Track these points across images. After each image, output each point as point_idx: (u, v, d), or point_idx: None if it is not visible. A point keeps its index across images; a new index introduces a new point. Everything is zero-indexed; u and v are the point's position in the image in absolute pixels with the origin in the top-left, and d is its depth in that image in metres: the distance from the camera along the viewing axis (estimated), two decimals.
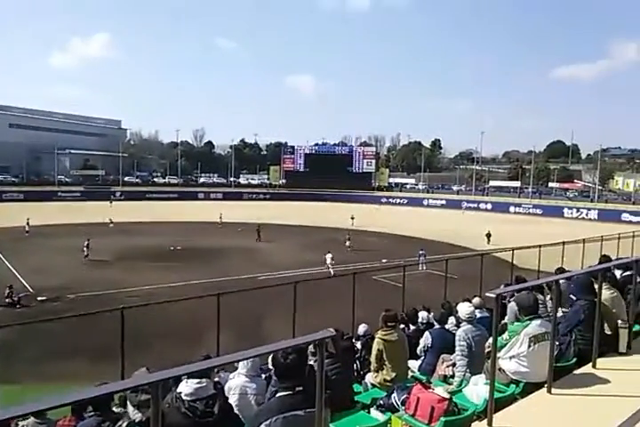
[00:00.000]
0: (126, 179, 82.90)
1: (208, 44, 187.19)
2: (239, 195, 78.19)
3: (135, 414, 2.46)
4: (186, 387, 3.21)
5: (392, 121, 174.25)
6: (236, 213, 48.95)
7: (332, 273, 23.90)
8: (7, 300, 19.38)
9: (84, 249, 28.56)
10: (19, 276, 23.53)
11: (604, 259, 6.38)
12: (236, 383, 4.64)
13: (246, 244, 35.57)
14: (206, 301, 10.66)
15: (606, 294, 4.83)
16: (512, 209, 66.56)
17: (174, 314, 15.65)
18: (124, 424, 3.11)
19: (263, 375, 5.22)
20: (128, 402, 2.48)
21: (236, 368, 5.00)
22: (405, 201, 76.13)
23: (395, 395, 4.45)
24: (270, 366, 5.87)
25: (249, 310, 16.64)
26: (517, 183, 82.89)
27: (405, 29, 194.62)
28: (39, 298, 20.62)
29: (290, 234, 40.98)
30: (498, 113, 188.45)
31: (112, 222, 42.91)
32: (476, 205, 69.87)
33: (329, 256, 26.93)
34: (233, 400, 4.40)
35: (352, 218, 47.78)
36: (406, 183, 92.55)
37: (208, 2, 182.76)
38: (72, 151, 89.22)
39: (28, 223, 36.67)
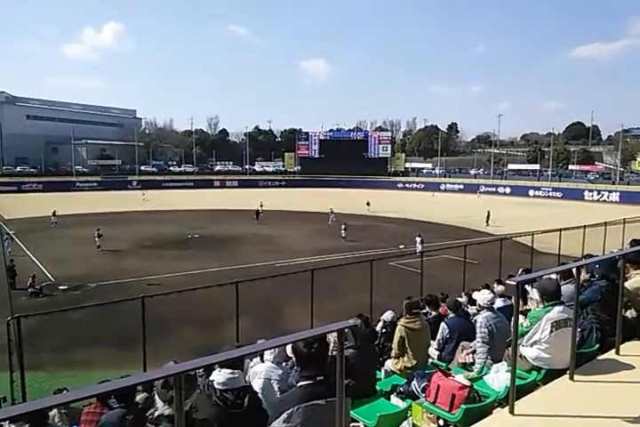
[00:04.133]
0: (142, 168, 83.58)
1: (221, 31, 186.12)
2: (254, 182, 78.37)
3: (165, 410, 2.50)
4: (218, 376, 3.24)
5: (408, 105, 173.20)
6: (252, 200, 49.01)
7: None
8: (30, 289, 19.78)
9: (96, 239, 28.59)
10: (40, 265, 23.95)
11: (635, 243, 6.20)
12: (262, 369, 4.68)
13: (262, 231, 35.73)
14: (225, 288, 10.76)
15: (635, 277, 4.74)
16: (531, 192, 65.72)
17: (194, 302, 15.79)
18: (156, 413, 3.16)
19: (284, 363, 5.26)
20: (157, 398, 2.52)
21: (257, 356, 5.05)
22: (422, 186, 75.60)
23: (415, 382, 4.46)
24: (290, 355, 5.94)
25: (267, 297, 16.75)
26: (536, 166, 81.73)
27: (419, 11, 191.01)
28: (61, 287, 21.00)
29: (305, 221, 41.04)
30: (515, 95, 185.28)
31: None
32: (494, 189, 69.12)
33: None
34: (257, 385, 4.44)
35: (367, 204, 47.63)
36: (423, 168, 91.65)
37: None
38: (89, 141, 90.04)
39: (54, 214, 36.93)
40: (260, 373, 4.66)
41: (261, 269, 22.51)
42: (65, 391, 4.34)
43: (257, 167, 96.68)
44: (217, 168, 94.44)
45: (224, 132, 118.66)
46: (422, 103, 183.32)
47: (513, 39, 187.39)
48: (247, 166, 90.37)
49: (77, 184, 69.63)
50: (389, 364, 5.92)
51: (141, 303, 9.00)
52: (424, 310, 7.07)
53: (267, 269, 22.54)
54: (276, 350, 4.74)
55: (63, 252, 27.68)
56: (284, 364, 5.29)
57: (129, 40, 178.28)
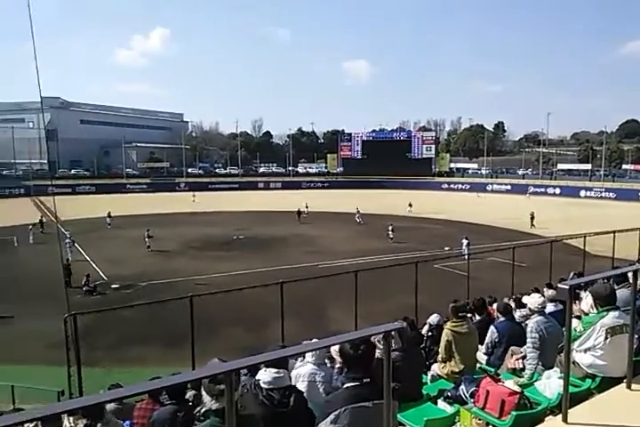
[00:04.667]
0: (189, 170, 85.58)
1: (264, 33, 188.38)
2: (297, 184, 78.84)
3: (212, 404, 2.56)
4: (264, 375, 3.31)
5: (452, 105, 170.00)
6: (295, 201, 49.36)
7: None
8: (85, 288, 20.61)
9: (146, 240, 29.43)
10: (94, 265, 24.90)
11: None
12: (305, 371, 4.71)
13: (306, 232, 35.94)
14: (270, 289, 10.89)
15: None
16: (582, 193, 63.31)
17: (239, 302, 16.09)
18: (202, 410, 3.25)
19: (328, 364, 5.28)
20: (204, 392, 2.58)
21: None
22: (467, 186, 74.11)
23: (463, 387, 4.38)
24: (334, 356, 5.94)
25: (311, 298, 16.85)
26: (588, 166, 78.63)
27: (461, 8, 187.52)
28: (113, 286, 21.79)
29: (348, 222, 41.00)
30: (565, 93, 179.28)
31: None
32: (543, 190, 66.99)
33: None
34: (301, 387, 4.48)
35: (409, 205, 47.08)
36: (468, 168, 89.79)
37: None
38: (138, 145, 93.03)
39: (109, 216, 38.45)
40: (303, 375, 4.69)
41: (305, 269, 22.65)
42: (119, 387, 4.49)
43: (300, 169, 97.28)
44: (261, 170, 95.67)
45: (268, 134, 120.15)
46: (467, 102, 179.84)
47: (564, 33, 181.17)
48: (290, 168, 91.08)
49: (128, 186, 72.06)
50: (436, 368, 5.84)
51: (189, 302, 9.22)
52: (470, 314, 6.94)
53: (310, 269, 22.67)
54: (318, 351, 4.76)
55: (115, 252, 28.71)
56: (327, 365, 5.31)
57: (175, 45, 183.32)
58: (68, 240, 25.88)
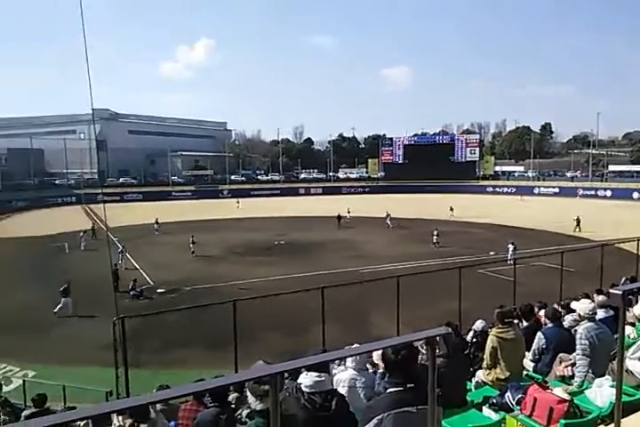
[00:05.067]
0: (232, 177, 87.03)
1: (305, 40, 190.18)
2: (338, 189, 78.93)
3: (257, 405, 2.59)
4: (305, 379, 3.33)
5: (497, 106, 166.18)
6: (336, 207, 49.43)
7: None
8: (132, 292, 21.25)
9: (190, 245, 30.26)
10: (140, 270, 25.64)
11: None
12: (346, 376, 4.71)
13: (347, 237, 35.90)
14: (311, 294, 10.93)
15: None
16: (635, 195, 60.65)
17: (280, 306, 16.21)
18: (244, 413, 3.30)
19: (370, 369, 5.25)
20: (249, 392, 2.62)
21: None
22: (513, 190, 72.23)
23: (509, 394, 4.27)
24: (376, 361, 5.90)
25: (352, 303, 16.80)
26: None
27: (506, 13, 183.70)
28: (159, 290, 22.37)
29: (389, 227, 40.73)
30: (615, 92, 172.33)
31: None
32: (593, 193, 64.58)
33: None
34: (342, 393, 4.47)
35: (451, 209, 46.15)
36: (514, 171, 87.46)
37: (301, 2, 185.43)
38: (183, 153, 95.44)
39: (157, 222, 39.74)
40: (344, 380, 4.69)
41: (347, 274, 22.61)
42: (167, 388, 4.62)
43: (340, 174, 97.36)
44: (302, 176, 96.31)
45: (309, 140, 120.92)
46: (512, 104, 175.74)
47: (610, 31, 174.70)
48: (331, 174, 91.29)
49: (173, 193, 73.96)
50: (480, 374, 5.72)
51: (233, 307, 9.37)
52: (517, 320, 6.75)
53: (352, 275, 22.61)
54: (358, 356, 4.74)
55: (161, 257, 29.49)
56: (370, 370, 5.28)
57: (219, 54, 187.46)
58: (120, 249, 26.69)
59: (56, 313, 18.64)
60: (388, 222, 40.87)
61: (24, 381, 11.58)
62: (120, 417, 4.91)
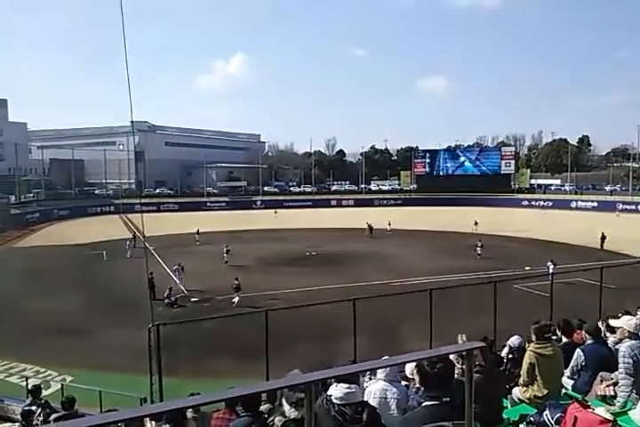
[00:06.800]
0: (265, 189, 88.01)
1: (338, 52, 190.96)
2: (370, 201, 78.70)
3: (292, 413, 2.60)
4: (335, 390, 3.30)
5: (532, 118, 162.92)
6: (367, 219, 49.28)
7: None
8: (167, 300, 21.60)
9: (224, 255, 30.82)
10: (175, 278, 26.06)
11: None
12: (377, 388, 4.65)
13: (378, 249, 35.68)
14: (342, 305, 10.90)
15: None
16: None
17: (311, 317, 16.23)
18: (276, 419, 3.30)
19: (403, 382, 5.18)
20: (284, 400, 2.63)
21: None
22: (550, 203, 70.58)
23: (547, 412, 4.14)
24: (408, 375, 5.82)
25: (383, 315, 16.65)
26: None
27: (542, 23, 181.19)
28: (192, 299, 22.70)
29: (421, 239, 40.34)
30: None
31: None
32: (634, 207, 62.51)
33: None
34: (373, 404, 4.42)
35: (475, 223, 44.86)
36: (550, 184, 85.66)
37: (335, 13, 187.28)
38: (218, 165, 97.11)
39: (197, 232, 40.65)
40: (374, 392, 4.63)
41: (378, 287, 22.48)
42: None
43: (372, 186, 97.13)
44: (334, 188, 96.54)
45: (341, 152, 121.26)
46: (549, 115, 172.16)
47: None
48: (363, 185, 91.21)
49: (208, 204, 75.21)
50: (517, 392, 5.56)
51: (265, 317, 9.42)
52: (555, 336, 6.55)
53: (383, 287, 22.46)
54: (389, 368, 4.68)
55: (195, 266, 29.86)
56: (402, 383, 5.21)
57: (253, 68, 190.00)
58: (176, 267, 25.86)
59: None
60: (388, 232, 40.24)
61: (62, 385, 11.88)
62: (154, 422, 4.98)
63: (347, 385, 3.36)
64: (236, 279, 22.42)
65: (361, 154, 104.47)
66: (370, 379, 5.41)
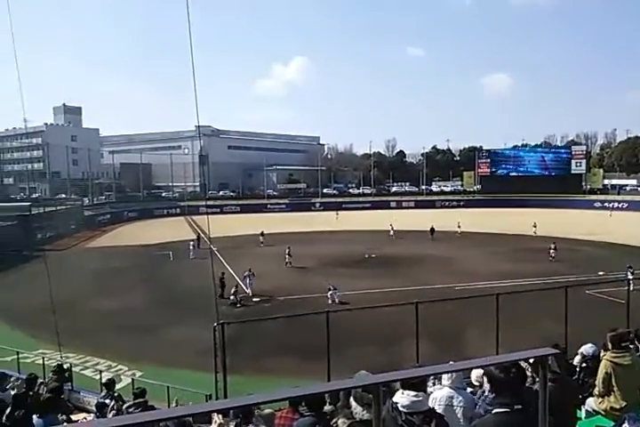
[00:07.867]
0: (325, 191, 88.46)
1: (397, 52, 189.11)
2: (431, 203, 77.22)
3: (363, 414, 2.59)
4: (402, 398, 3.15)
5: (605, 116, 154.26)
6: (428, 221, 48.39)
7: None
8: (232, 298, 22.19)
9: (286, 257, 31.38)
10: (238, 279, 26.67)
11: None
12: (442, 394, 4.54)
13: (439, 252, 34.95)
14: (403, 308, 10.76)
15: None
16: None
17: (370, 320, 16.13)
18: (340, 420, 3.27)
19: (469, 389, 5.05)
20: (353, 401, 2.62)
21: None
22: (625, 205, 66.51)
23: (626, 425, 3.90)
24: (474, 382, 5.65)
25: (446, 320, 16.29)
26: None
27: (609, 15, 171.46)
28: (254, 299, 23.17)
29: (486, 242, 39.13)
30: None
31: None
32: None
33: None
34: (438, 411, 4.32)
35: (534, 226, 42.66)
36: (626, 185, 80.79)
37: (392, 16, 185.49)
38: (278, 167, 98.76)
39: (262, 234, 41.38)
40: (439, 398, 4.52)
41: (439, 290, 22.02)
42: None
43: (434, 187, 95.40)
44: (393, 189, 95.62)
45: (401, 153, 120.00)
46: (623, 112, 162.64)
47: None
48: (424, 187, 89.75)
49: (268, 206, 76.45)
50: (592, 402, 5.28)
51: (326, 318, 9.46)
52: (633, 345, 6.17)
53: (445, 291, 21.95)
54: (454, 374, 4.54)
55: (258, 267, 30.42)
56: (469, 390, 5.07)
57: (311, 71, 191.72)
58: (247, 273, 25.32)
59: None
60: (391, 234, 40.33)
61: (132, 379, 12.44)
62: (220, 415, 5.11)
63: (414, 393, 3.18)
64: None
65: (422, 154, 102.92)
66: (434, 384, 5.30)
